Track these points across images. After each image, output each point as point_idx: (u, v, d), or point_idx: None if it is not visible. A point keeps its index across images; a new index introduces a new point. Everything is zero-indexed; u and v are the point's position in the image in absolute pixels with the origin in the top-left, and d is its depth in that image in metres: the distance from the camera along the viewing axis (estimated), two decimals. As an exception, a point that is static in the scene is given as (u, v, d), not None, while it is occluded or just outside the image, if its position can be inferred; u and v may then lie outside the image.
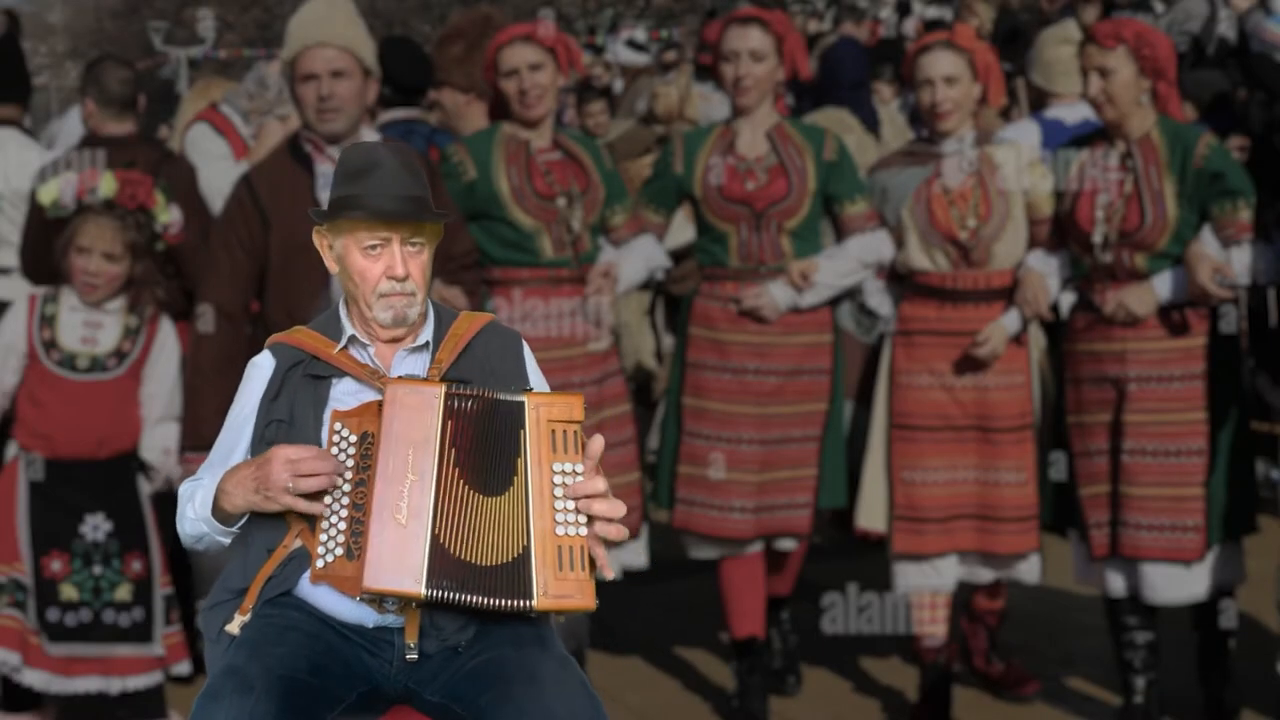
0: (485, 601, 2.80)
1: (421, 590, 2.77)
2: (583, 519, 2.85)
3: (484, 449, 2.87)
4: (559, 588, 2.81)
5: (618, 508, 2.87)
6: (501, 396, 2.90)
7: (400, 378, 2.92)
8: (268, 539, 2.93)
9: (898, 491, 5.04)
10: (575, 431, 2.88)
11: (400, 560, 2.78)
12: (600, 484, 2.86)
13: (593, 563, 2.86)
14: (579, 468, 2.87)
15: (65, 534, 4.86)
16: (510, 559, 2.82)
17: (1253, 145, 5.68)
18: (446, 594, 2.78)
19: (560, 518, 2.84)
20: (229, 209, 4.85)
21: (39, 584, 4.83)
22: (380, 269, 2.96)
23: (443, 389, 2.87)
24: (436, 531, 2.80)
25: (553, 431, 2.87)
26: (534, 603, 2.80)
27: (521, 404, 2.89)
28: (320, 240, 3.04)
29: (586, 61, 10.41)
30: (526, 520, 2.83)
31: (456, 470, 2.84)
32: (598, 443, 2.90)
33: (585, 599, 2.82)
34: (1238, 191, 4.74)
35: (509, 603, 2.80)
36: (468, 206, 4.97)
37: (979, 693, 5.39)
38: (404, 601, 2.85)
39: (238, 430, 3.02)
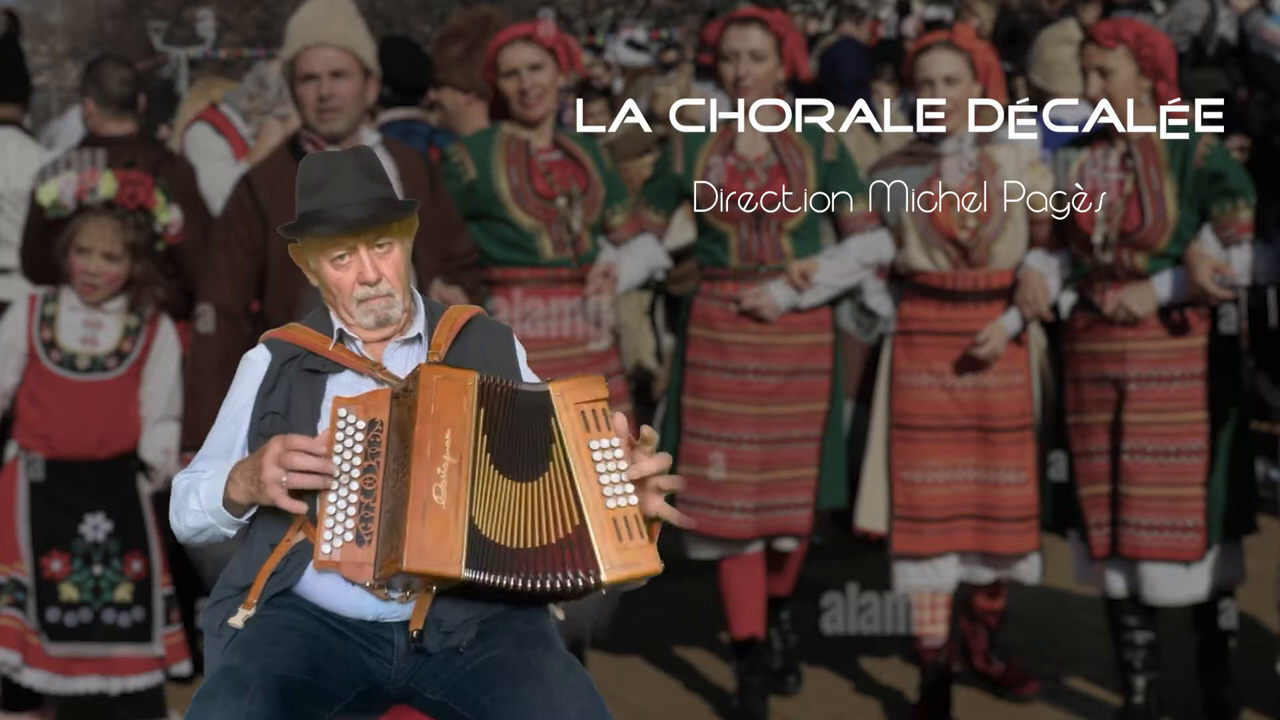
0: (541, 584, 2.82)
1: (461, 571, 2.78)
2: (629, 488, 2.89)
3: (514, 438, 2.89)
4: (623, 557, 2.86)
5: (664, 460, 2.92)
6: (524, 388, 2.93)
7: (431, 364, 2.94)
8: (269, 534, 2.93)
9: (898, 491, 5.04)
10: (603, 409, 2.93)
11: (439, 541, 2.79)
12: (662, 461, 2.91)
13: (649, 526, 2.90)
14: (614, 442, 2.91)
15: (65, 534, 4.86)
16: (557, 540, 2.85)
17: (1253, 145, 5.68)
18: (485, 576, 2.79)
19: (608, 491, 2.88)
20: (229, 209, 4.86)
21: (39, 584, 4.83)
22: (352, 277, 2.97)
23: (475, 376, 2.90)
24: (474, 514, 2.82)
25: (582, 413, 2.91)
26: (604, 576, 2.84)
27: (547, 392, 2.92)
28: (297, 257, 3.05)
29: (586, 61, 10.40)
30: (575, 500, 2.87)
31: (489, 456, 2.86)
32: (620, 420, 2.94)
33: (650, 563, 2.88)
34: (1238, 191, 4.74)
35: (575, 580, 2.83)
36: (468, 206, 4.97)
37: (979, 693, 5.39)
38: (413, 590, 2.85)
39: (233, 423, 3.01)
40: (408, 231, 3.03)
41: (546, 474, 2.88)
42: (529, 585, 2.82)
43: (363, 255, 2.96)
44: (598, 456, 2.89)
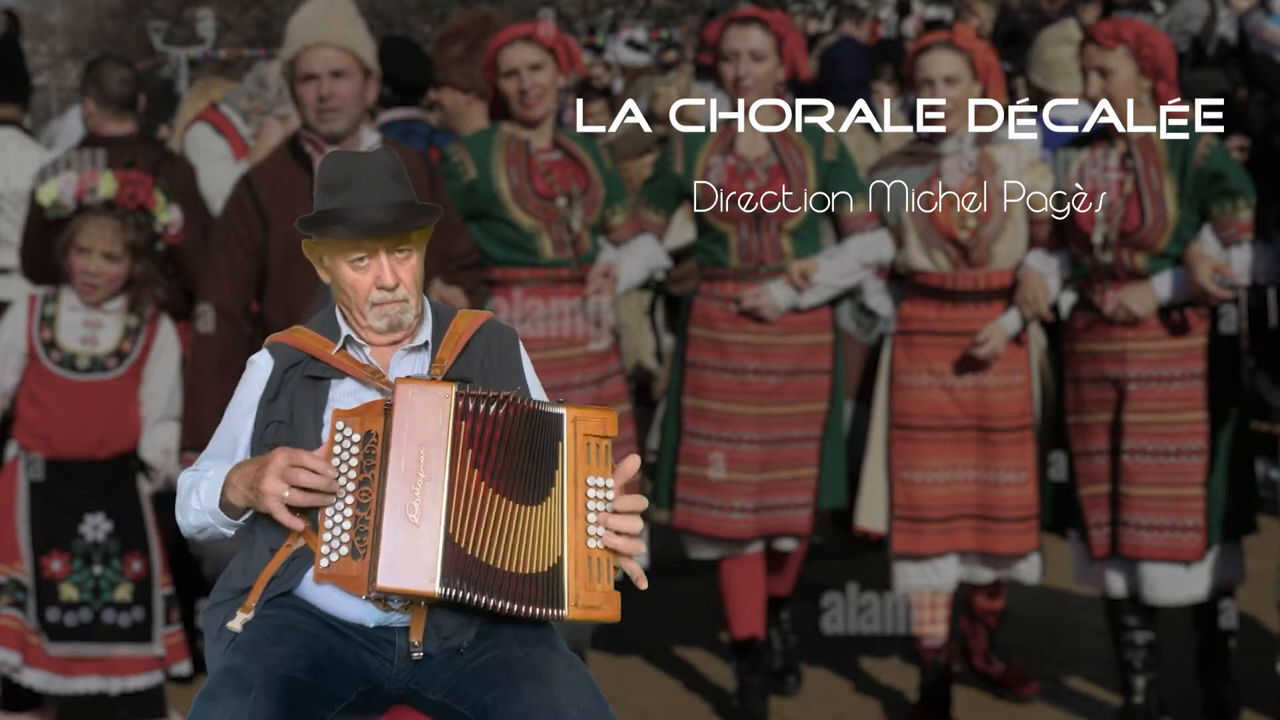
0: (511, 607, 2.81)
1: (436, 589, 2.78)
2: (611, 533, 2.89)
3: (518, 456, 2.87)
4: (589, 599, 2.84)
5: (635, 523, 2.90)
6: (540, 407, 2.91)
7: (409, 377, 2.92)
8: (270, 539, 2.92)
9: (898, 491, 5.04)
10: (607, 446, 2.91)
11: (414, 558, 2.78)
12: (638, 503, 2.90)
13: (617, 571, 2.89)
14: (609, 482, 2.90)
15: (65, 534, 4.86)
16: (543, 568, 2.84)
17: (1253, 145, 5.68)
18: (461, 593, 2.79)
19: (592, 530, 2.87)
20: (229, 209, 4.85)
21: (39, 584, 4.83)
22: (370, 280, 2.96)
23: (452, 389, 2.87)
24: (451, 531, 2.80)
25: (588, 445, 2.89)
26: (565, 613, 2.83)
27: (561, 416, 2.90)
28: (310, 252, 3.04)
29: (586, 61, 10.41)
30: (560, 531, 2.86)
31: (477, 472, 2.84)
32: (633, 462, 2.93)
33: (612, 610, 2.86)
34: (1238, 191, 4.74)
35: (540, 610, 2.82)
36: (468, 206, 4.97)
37: (979, 693, 5.40)
38: (409, 601, 2.85)
39: (238, 422, 3.01)
40: (426, 238, 3.03)
41: (547, 500, 2.86)
42: (498, 605, 2.81)
43: (383, 260, 2.95)
44: (591, 494, 2.88)
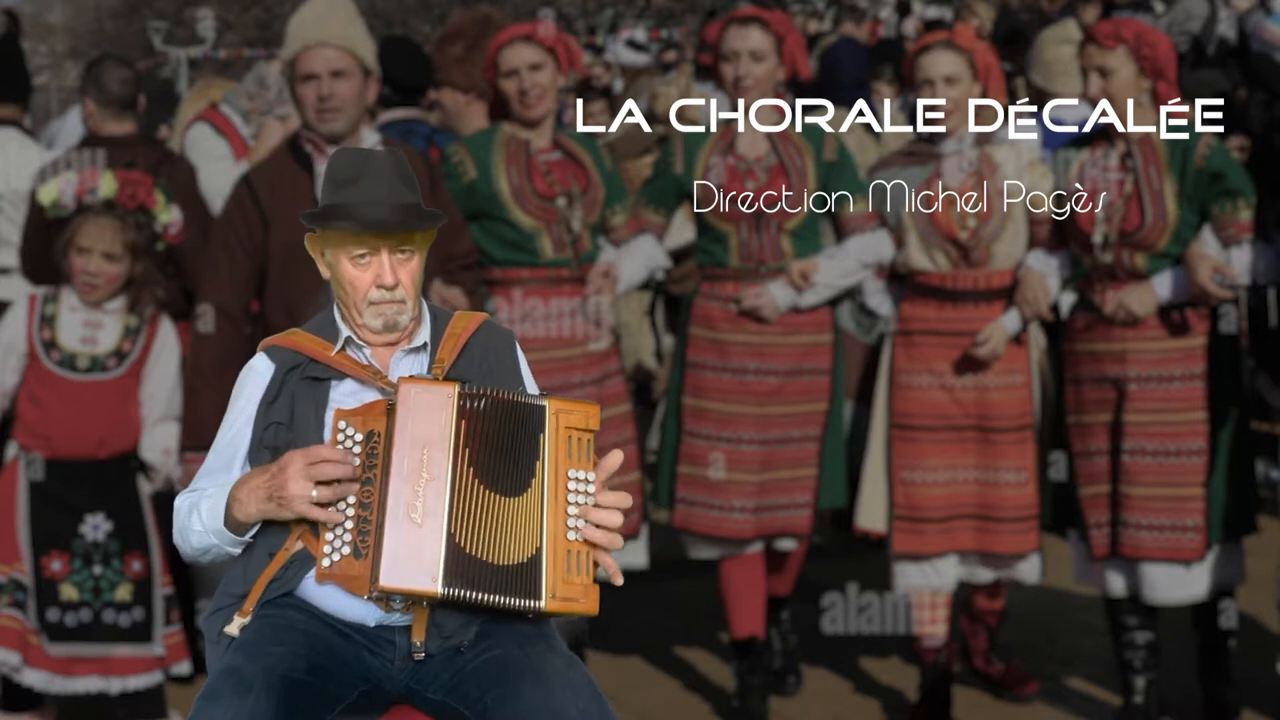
0: (497, 600, 2.81)
1: (439, 589, 2.78)
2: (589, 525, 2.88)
3: (502, 449, 2.88)
4: (566, 590, 2.84)
5: (615, 518, 2.90)
6: (523, 399, 2.91)
7: (412, 377, 2.93)
8: (268, 543, 2.92)
9: (898, 491, 5.04)
10: (589, 440, 2.91)
11: (417, 559, 2.79)
12: (622, 499, 2.90)
13: (596, 566, 2.89)
14: (590, 476, 2.90)
15: (65, 534, 4.86)
16: (523, 560, 2.84)
17: (1253, 145, 5.68)
18: (463, 593, 2.79)
19: (571, 523, 2.87)
20: (229, 209, 4.86)
21: (39, 584, 4.83)
22: (370, 278, 2.95)
23: (455, 388, 2.88)
24: (452, 530, 2.81)
25: (569, 438, 2.89)
26: (542, 604, 2.83)
27: (544, 408, 2.90)
28: (312, 246, 3.04)
29: (586, 61, 10.41)
30: (540, 523, 2.86)
31: (472, 470, 2.85)
32: (615, 458, 2.93)
33: (589, 603, 2.86)
34: (1238, 191, 4.74)
35: (518, 602, 2.82)
36: (468, 206, 4.97)
37: (979, 693, 5.39)
38: (411, 601, 2.85)
39: (236, 435, 3.00)
40: (428, 242, 3.03)
41: (527, 492, 2.87)
42: (488, 600, 2.82)
43: (384, 258, 2.95)
44: (572, 486, 2.88)
